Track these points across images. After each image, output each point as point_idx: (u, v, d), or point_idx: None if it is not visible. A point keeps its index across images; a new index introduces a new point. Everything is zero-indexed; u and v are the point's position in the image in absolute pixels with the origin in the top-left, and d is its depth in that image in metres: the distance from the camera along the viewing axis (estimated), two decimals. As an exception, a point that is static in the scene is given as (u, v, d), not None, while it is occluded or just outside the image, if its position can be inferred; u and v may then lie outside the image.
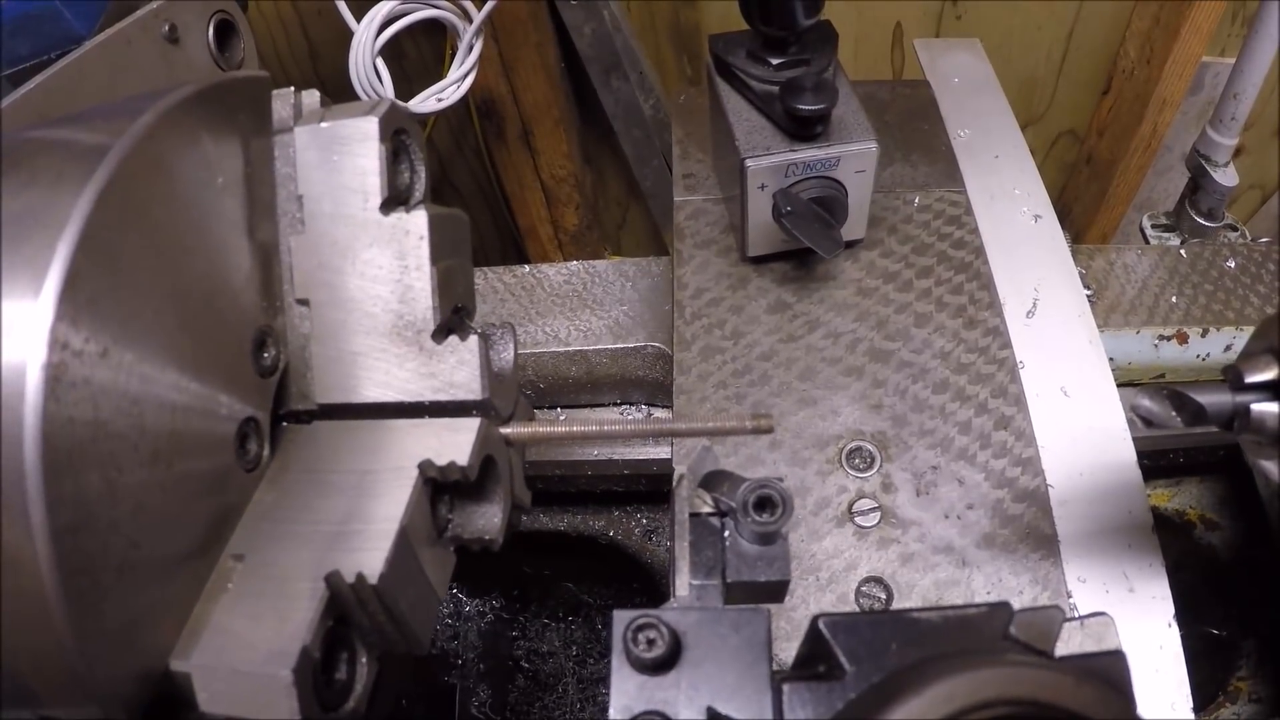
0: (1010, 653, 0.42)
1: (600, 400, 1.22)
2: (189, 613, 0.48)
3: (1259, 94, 1.64)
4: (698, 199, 1.13)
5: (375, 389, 0.56)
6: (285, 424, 0.59)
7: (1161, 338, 1.18)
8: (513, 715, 1.47)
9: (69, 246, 0.41)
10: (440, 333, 0.55)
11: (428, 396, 0.55)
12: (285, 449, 0.57)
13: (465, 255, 0.61)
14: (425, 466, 0.53)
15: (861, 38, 1.98)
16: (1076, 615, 0.44)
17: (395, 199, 0.56)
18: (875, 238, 1.07)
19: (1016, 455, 0.89)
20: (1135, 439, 0.90)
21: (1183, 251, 1.25)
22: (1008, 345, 0.97)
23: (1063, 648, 0.43)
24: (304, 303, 0.57)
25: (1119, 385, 0.95)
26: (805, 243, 0.92)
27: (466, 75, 1.40)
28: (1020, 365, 0.95)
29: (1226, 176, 1.68)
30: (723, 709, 0.43)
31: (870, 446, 0.89)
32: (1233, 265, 1.23)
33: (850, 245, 1.05)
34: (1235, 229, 1.75)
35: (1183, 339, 1.18)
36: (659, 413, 1.21)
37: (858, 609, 0.79)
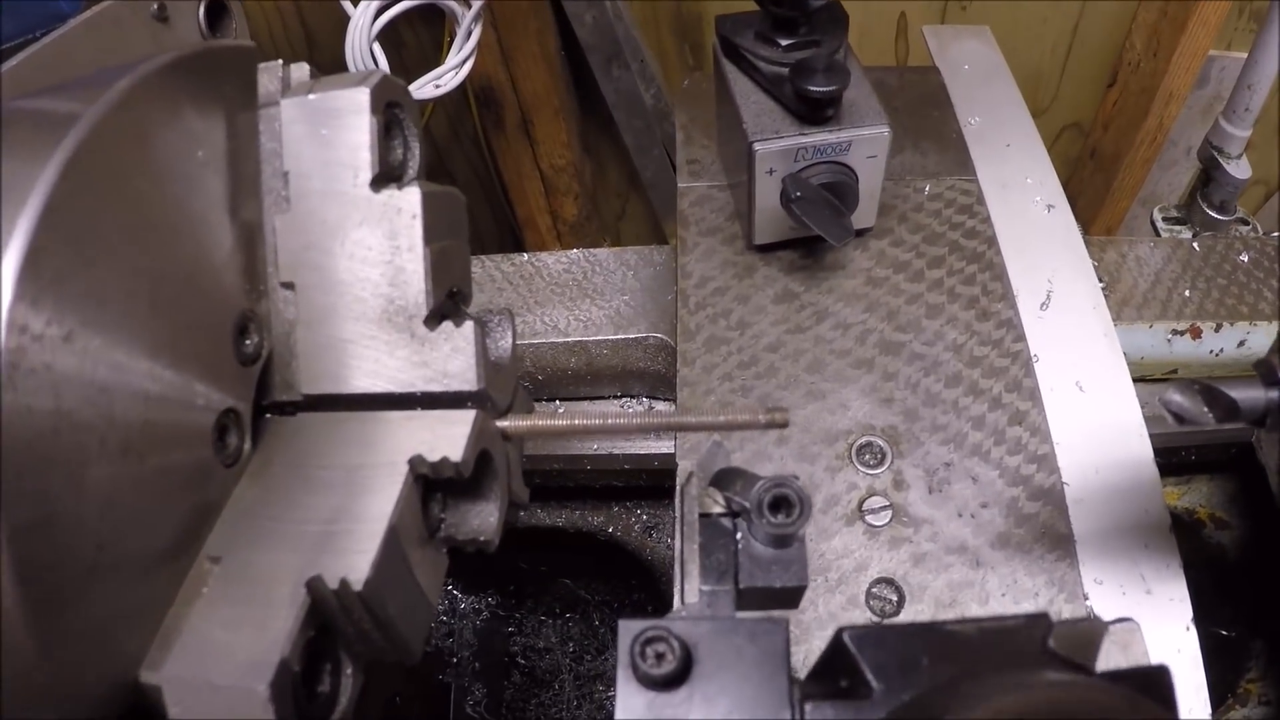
0: (1050, 668, 0.39)
1: (600, 393, 1.20)
2: (162, 619, 0.45)
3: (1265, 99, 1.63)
4: (702, 185, 1.09)
5: (364, 378, 0.53)
6: (269, 415, 0.56)
7: (1175, 332, 1.15)
8: (509, 713, 1.46)
9: (30, 220, 0.38)
10: (434, 319, 0.52)
11: (420, 387, 0.52)
12: (268, 442, 0.54)
13: (462, 236, 0.57)
14: (416, 462, 0.49)
15: (865, 28, 1.96)
16: (1098, 618, 0.41)
17: (387, 175, 0.53)
18: (885, 226, 1.04)
19: (1031, 452, 0.86)
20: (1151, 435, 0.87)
21: (1195, 245, 1.23)
22: (1021, 338, 0.94)
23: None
24: (289, 286, 0.54)
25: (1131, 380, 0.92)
26: (815, 230, 0.89)
27: (465, 61, 1.38)
28: (1034, 359, 0.92)
29: (1239, 169, 1.66)
30: (739, 728, 0.40)
31: (881, 442, 0.87)
32: (1245, 259, 1.21)
33: (860, 234, 1.02)
34: (1246, 222, 1.74)
35: (1196, 334, 1.15)
36: (661, 405, 1.18)
37: (869, 611, 0.76)
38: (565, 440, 1.15)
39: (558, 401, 1.21)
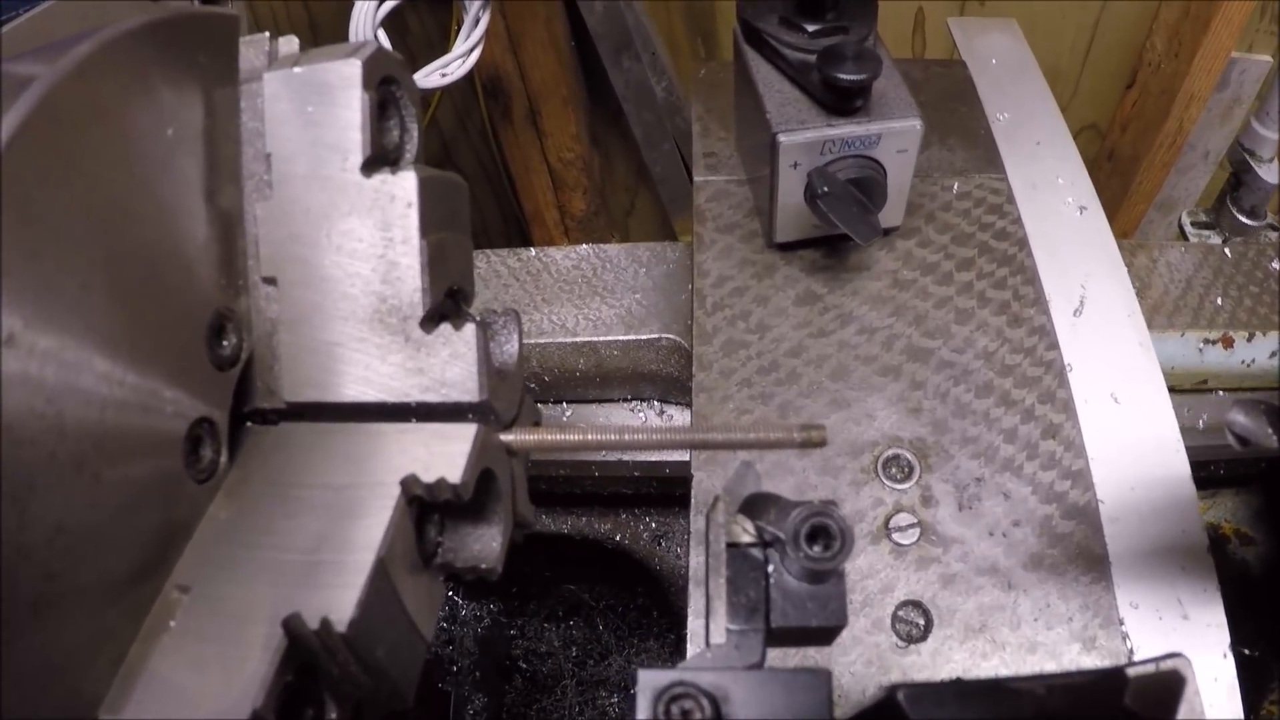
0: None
1: (610, 395, 1.16)
2: (124, 654, 0.41)
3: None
4: (720, 180, 1.05)
5: (353, 386, 0.48)
6: (249, 424, 0.51)
7: (1206, 341, 1.12)
8: (509, 718, 1.43)
9: (-39, 203, 0.33)
10: (431, 320, 0.47)
11: (415, 396, 0.47)
12: (247, 454, 0.49)
13: (463, 228, 0.53)
14: (409, 483, 0.44)
15: (882, 22, 1.92)
16: (1141, 658, 0.37)
17: (380, 159, 0.48)
18: (912, 226, 1.00)
19: (1065, 467, 0.82)
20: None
21: (1226, 250, 1.20)
22: (1054, 346, 0.90)
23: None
24: (271, 281, 0.49)
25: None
26: (840, 228, 0.85)
27: (472, 50, 1.35)
28: (1068, 368, 0.88)
29: (1271, 173, 1.64)
30: (776, 799, 0.35)
31: (909, 455, 0.82)
32: (1278, 266, 1.17)
33: (886, 233, 0.97)
34: (1276, 229, 1.71)
35: (1228, 343, 1.12)
36: (672, 410, 1.15)
37: (894, 635, 0.73)
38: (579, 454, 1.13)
39: (565, 404, 1.17)
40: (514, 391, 0.52)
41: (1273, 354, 1.13)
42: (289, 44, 0.52)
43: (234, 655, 0.39)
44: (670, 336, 1.08)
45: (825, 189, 0.84)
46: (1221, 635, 0.73)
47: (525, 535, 1.17)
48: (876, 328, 0.91)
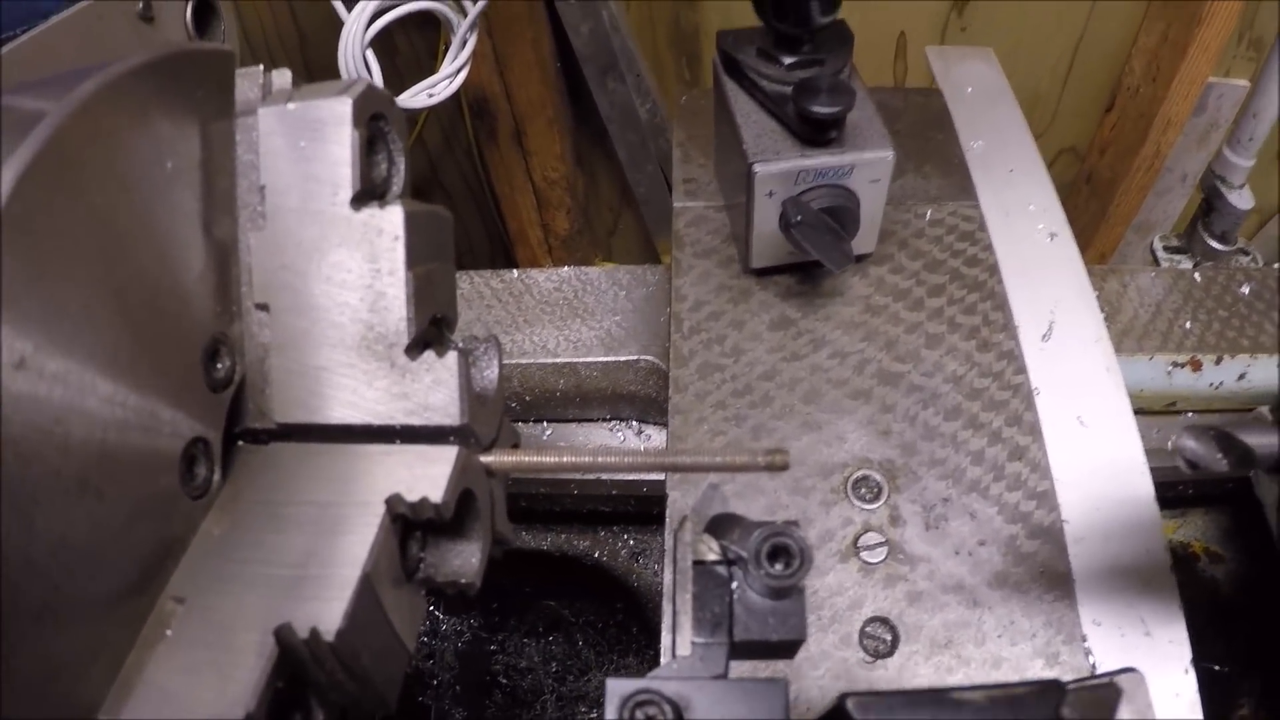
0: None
1: (589, 415, 1.17)
2: (121, 661, 0.43)
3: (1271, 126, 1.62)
4: (699, 205, 1.07)
5: (341, 409, 0.50)
6: (241, 444, 0.53)
7: (1175, 365, 1.14)
8: None
9: (-22, 235, 0.35)
10: (415, 347, 0.49)
11: (399, 420, 0.49)
12: (239, 473, 0.51)
13: (447, 259, 0.55)
14: (394, 502, 0.46)
15: (864, 48, 1.93)
16: (1098, 673, 0.39)
17: (369, 193, 0.50)
18: (885, 252, 1.02)
19: (1031, 488, 0.84)
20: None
21: (1196, 275, 1.21)
22: (1023, 370, 0.92)
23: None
24: (264, 308, 0.51)
25: (1129, 414, 0.91)
26: (814, 255, 0.87)
27: (459, 71, 1.36)
28: (1036, 391, 0.90)
29: (1242, 199, 1.66)
30: (733, 801, 0.37)
31: (877, 476, 0.84)
32: (1247, 291, 1.19)
33: (859, 259, 0.99)
34: (1246, 253, 1.73)
35: (1196, 366, 1.14)
36: (650, 430, 1.16)
37: (862, 651, 0.74)
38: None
39: (545, 424, 1.19)
40: (494, 415, 0.54)
41: (1240, 376, 1.14)
42: (282, 77, 0.54)
43: (227, 662, 0.41)
44: (649, 358, 1.09)
45: (799, 218, 0.86)
46: (1183, 651, 0.75)
47: (506, 552, 1.19)
48: (848, 352, 0.93)
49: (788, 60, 0.92)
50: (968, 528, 0.82)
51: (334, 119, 0.49)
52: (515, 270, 1.21)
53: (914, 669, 0.74)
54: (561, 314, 1.15)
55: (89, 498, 0.40)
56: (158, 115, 0.47)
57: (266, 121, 0.50)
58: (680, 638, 0.45)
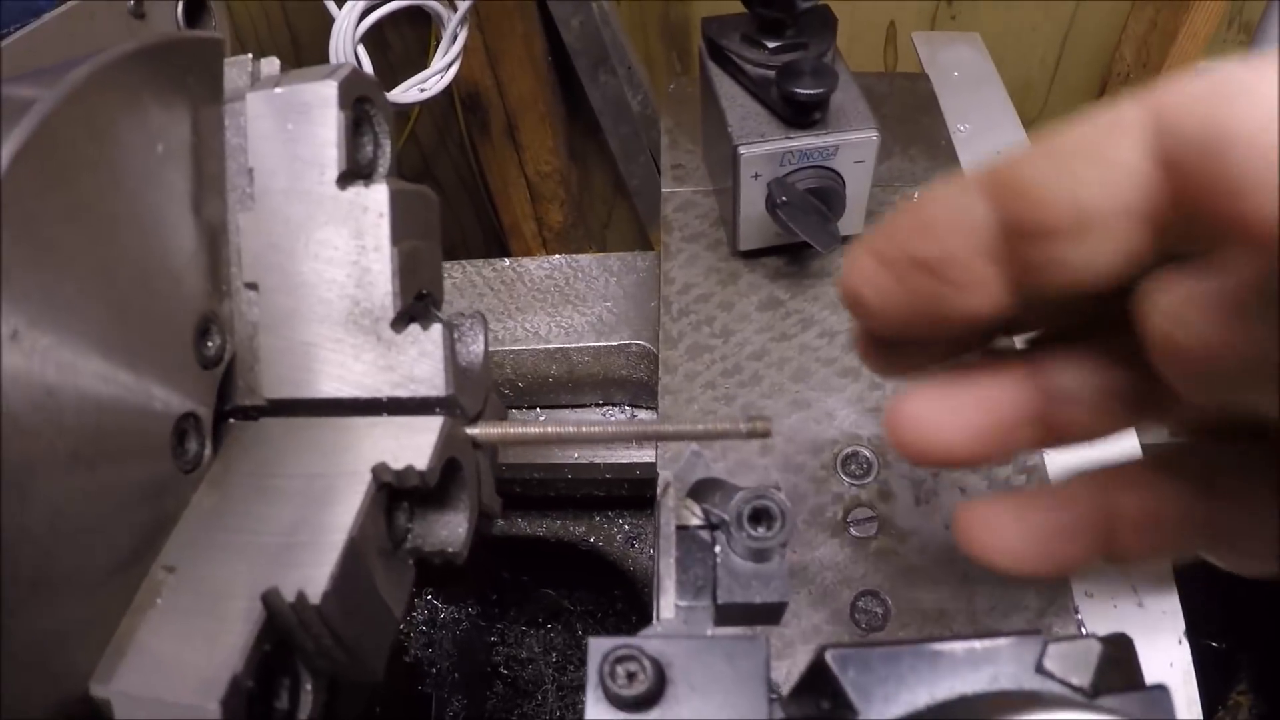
0: (1046, 690, 0.37)
1: (582, 400, 1.18)
2: (114, 629, 0.44)
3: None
4: (686, 190, 1.08)
5: (329, 383, 0.51)
6: (231, 421, 0.54)
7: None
8: None
9: (-27, 214, 0.36)
10: (401, 321, 0.50)
11: (386, 392, 0.50)
12: (229, 448, 0.52)
13: (433, 237, 0.56)
14: (380, 471, 0.47)
15: (855, 36, 1.95)
16: (1092, 635, 0.39)
17: (355, 173, 0.51)
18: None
19: (1021, 462, 0.84)
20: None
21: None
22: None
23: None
24: (253, 287, 0.52)
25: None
26: (801, 236, 0.87)
27: (450, 65, 1.37)
28: (1023, 368, 0.90)
29: None
30: (714, 752, 0.38)
31: (867, 452, 0.85)
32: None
33: (846, 240, 0.99)
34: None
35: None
36: (642, 413, 1.16)
37: (854, 625, 0.75)
38: (546, 449, 1.14)
39: (539, 410, 1.19)
40: (479, 389, 0.55)
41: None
42: (270, 65, 0.55)
43: (216, 628, 0.42)
44: (640, 343, 1.10)
45: (784, 199, 0.87)
46: (1176, 621, 0.75)
47: (503, 539, 1.19)
48: (837, 331, 0.94)
49: (771, 44, 0.92)
50: (958, 501, 0.82)
51: (320, 101, 0.50)
52: (507, 259, 1.21)
53: (905, 642, 0.74)
54: (553, 301, 1.16)
55: (82, 470, 0.41)
56: (149, 100, 0.48)
57: (254, 105, 0.51)
58: (664, 601, 0.45)
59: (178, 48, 0.50)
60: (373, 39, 1.32)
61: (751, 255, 1.00)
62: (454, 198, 2.24)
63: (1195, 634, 0.74)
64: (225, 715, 0.40)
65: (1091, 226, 0.37)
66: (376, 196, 0.50)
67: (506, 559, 1.39)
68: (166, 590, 0.45)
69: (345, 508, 0.46)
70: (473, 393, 0.53)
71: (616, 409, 1.17)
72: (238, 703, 0.41)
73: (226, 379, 0.53)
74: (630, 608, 1.38)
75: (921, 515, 0.82)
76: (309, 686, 0.47)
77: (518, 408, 1.19)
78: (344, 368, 0.50)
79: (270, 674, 0.45)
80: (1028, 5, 1.89)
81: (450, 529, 0.52)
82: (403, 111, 1.60)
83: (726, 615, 0.46)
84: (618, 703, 0.38)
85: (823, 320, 0.94)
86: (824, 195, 0.89)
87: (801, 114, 0.88)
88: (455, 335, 0.53)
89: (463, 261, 1.21)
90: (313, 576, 0.43)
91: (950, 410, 0.46)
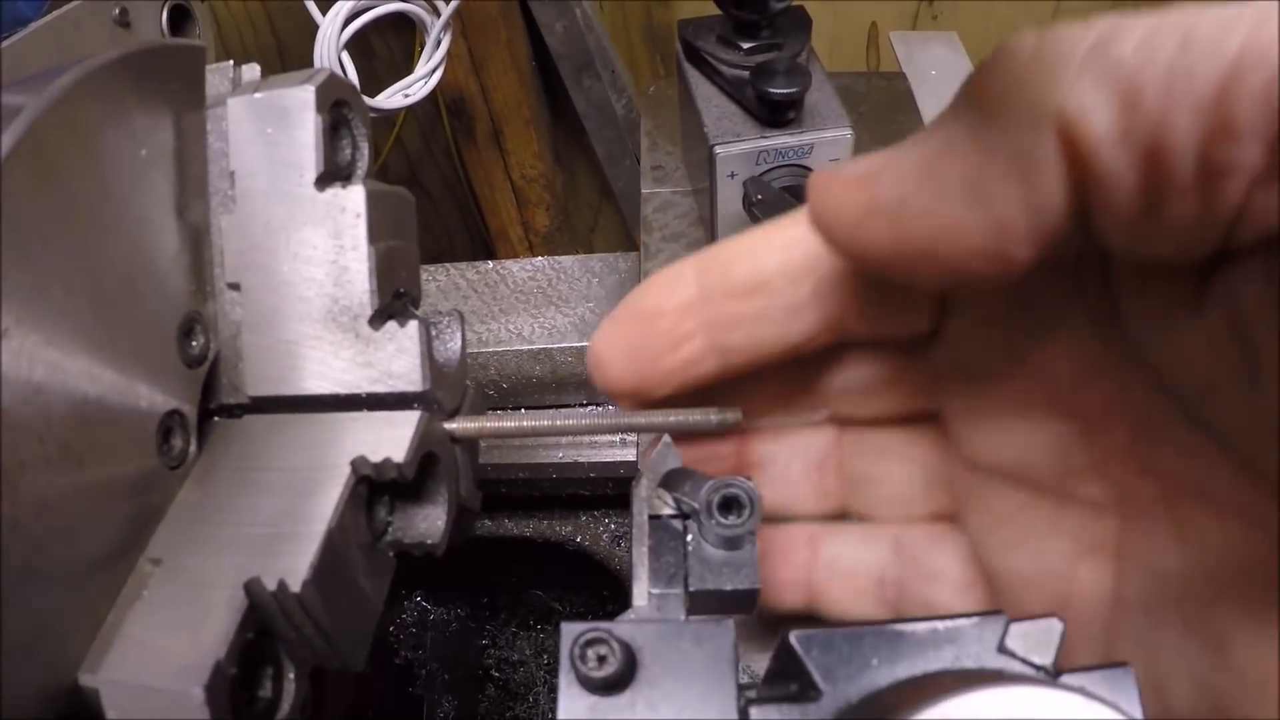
0: (1008, 668, 0.38)
1: (565, 400, 1.19)
2: (101, 621, 0.45)
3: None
4: (666, 191, 1.09)
5: (310, 380, 0.52)
6: (216, 419, 0.55)
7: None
8: None
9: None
10: (379, 319, 0.51)
11: (365, 388, 0.51)
12: (213, 445, 0.53)
13: (410, 237, 0.57)
14: (359, 464, 0.49)
15: (837, 38, 1.96)
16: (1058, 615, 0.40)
17: (333, 174, 0.52)
18: (850, 232, 1.02)
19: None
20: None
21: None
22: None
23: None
24: (235, 287, 0.53)
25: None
26: (774, 233, 0.88)
27: (434, 71, 1.38)
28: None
29: None
30: (682, 732, 0.39)
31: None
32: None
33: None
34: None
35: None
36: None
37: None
38: (530, 449, 1.15)
39: (523, 410, 1.20)
40: (457, 384, 0.56)
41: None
42: (251, 71, 0.56)
43: (200, 617, 0.44)
44: (622, 343, 1.11)
45: (760, 197, 0.88)
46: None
47: (491, 538, 1.20)
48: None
49: (746, 45, 0.94)
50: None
51: (298, 105, 0.51)
52: (490, 261, 1.22)
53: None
54: (536, 302, 1.17)
55: (70, 465, 0.42)
56: (133, 106, 0.49)
57: (235, 110, 0.53)
58: (638, 589, 0.47)
59: (161, 56, 0.51)
60: (357, 45, 1.33)
61: (730, 254, 1.00)
62: (440, 203, 2.25)
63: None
64: (209, 700, 0.41)
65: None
66: (354, 197, 0.51)
67: (495, 560, 1.39)
68: (153, 582, 0.46)
69: (325, 499, 0.47)
70: (450, 388, 0.55)
71: (599, 408, 1.18)
72: (221, 688, 0.42)
73: (211, 377, 0.54)
74: (621, 608, 1.39)
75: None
76: (291, 676, 0.48)
77: (502, 408, 1.20)
78: (324, 365, 0.52)
79: (254, 662, 0.46)
80: (1008, 5, 1.90)
81: (429, 522, 0.54)
82: (388, 117, 1.61)
83: (699, 603, 0.47)
84: (588, 685, 0.39)
85: (801, 318, 0.95)
86: (800, 193, 0.90)
87: (776, 113, 0.89)
88: (433, 332, 0.54)
89: (447, 264, 1.22)
90: (293, 566, 0.44)
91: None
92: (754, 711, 0.39)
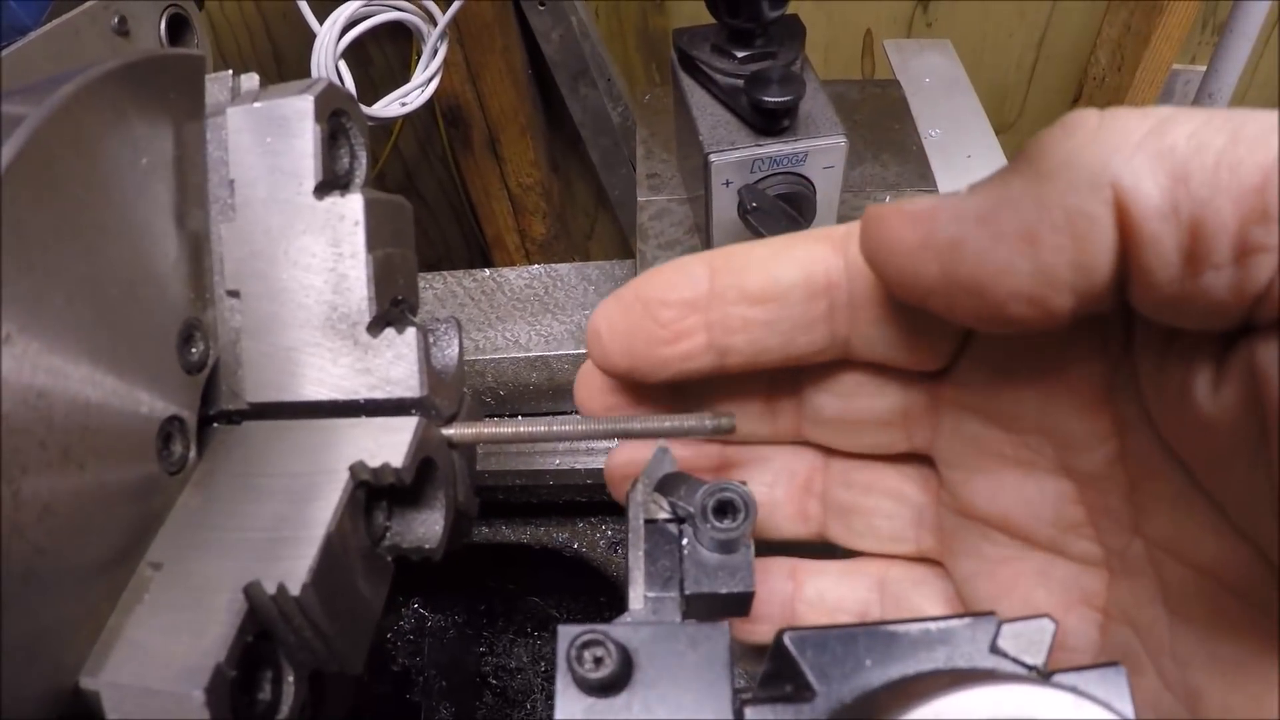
0: (1000, 668, 0.39)
1: (562, 408, 1.19)
2: (102, 625, 0.45)
3: (1226, 107, 1.64)
4: (662, 199, 1.09)
5: (309, 386, 0.52)
6: (215, 425, 0.55)
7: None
8: None
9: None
10: (377, 325, 0.52)
11: (363, 394, 0.52)
12: (214, 451, 0.53)
13: (407, 245, 0.57)
14: (357, 469, 0.49)
15: (832, 45, 1.97)
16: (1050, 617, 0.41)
17: (331, 183, 0.53)
18: (844, 239, 1.02)
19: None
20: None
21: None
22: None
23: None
24: (234, 294, 0.53)
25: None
26: (773, 239, 0.89)
27: (431, 79, 1.38)
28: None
29: None
30: (678, 733, 0.39)
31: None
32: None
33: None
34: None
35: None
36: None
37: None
38: (527, 454, 1.15)
39: (520, 418, 1.20)
40: (454, 390, 0.56)
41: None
42: (250, 80, 0.56)
43: (200, 620, 0.44)
44: (618, 350, 1.11)
45: (755, 205, 0.88)
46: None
47: (488, 545, 1.20)
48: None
49: (740, 54, 0.94)
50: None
51: (297, 115, 0.52)
52: (487, 269, 1.23)
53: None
54: (533, 310, 1.17)
55: (72, 468, 0.42)
56: (133, 115, 0.49)
57: (234, 120, 0.53)
58: (634, 592, 0.47)
59: (161, 65, 0.52)
60: (354, 54, 1.33)
61: (726, 262, 1.00)
62: (437, 211, 2.25)
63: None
64: (209, 702, 0.41)
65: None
66: (352, 205, 0.51)
67: (492, 566, 1.39)
68: (153, 586, 0.46)
69: (324, 504, 0.47)
70: (448, 394, 0.55)
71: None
72: (221, 691, 0.42)
73: (210, 384, 0.54)
74: (618, 614, 1.38)
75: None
76: (290, 679, 0.48)
77: (498, 415, 1.20)
78: (323, 371, 0.52)
79: (253, 665, 0.46)
80: (1003, 9, 1.91)
81: (427, 527, 0.54)
82: (385, 126, 1.61)
83: (695, 607, 0.48)
84: (585, 686, 0.39)
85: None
86: (795, 201, 0.91)
87: (771, 121, 0.89)
88: (430, 339, 0.55)
89: (444, 272, 1.22)
90: (293, 570, 0.45)
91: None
92: (749, 712, 0.39)
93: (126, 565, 0.47)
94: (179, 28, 0.76)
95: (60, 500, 0.42)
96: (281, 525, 0.47)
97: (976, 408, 0.49)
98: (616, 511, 1.26)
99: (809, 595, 0.55)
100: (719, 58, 0.95)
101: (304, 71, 1.32)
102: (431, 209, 2.25)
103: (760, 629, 0.55)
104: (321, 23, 1.30)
